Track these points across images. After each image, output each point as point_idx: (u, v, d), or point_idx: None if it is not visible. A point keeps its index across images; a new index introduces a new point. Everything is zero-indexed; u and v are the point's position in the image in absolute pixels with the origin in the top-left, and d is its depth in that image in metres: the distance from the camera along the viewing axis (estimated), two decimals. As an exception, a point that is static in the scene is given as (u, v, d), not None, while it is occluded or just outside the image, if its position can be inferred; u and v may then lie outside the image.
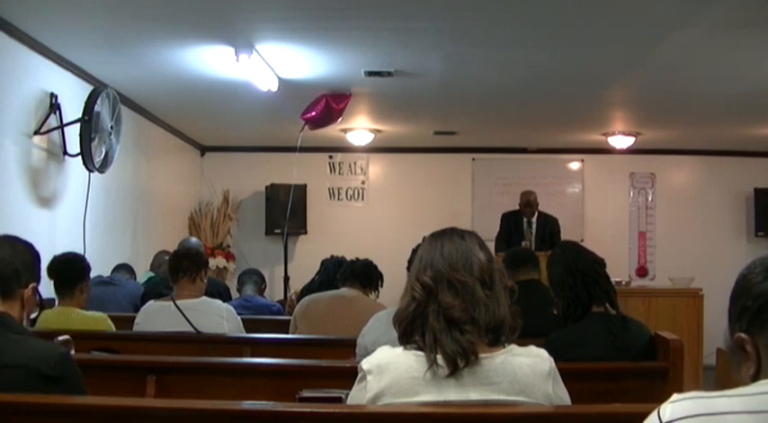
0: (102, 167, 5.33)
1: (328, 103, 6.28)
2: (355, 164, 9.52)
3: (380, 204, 9.45)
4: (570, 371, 2.13)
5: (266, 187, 9.04)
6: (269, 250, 9.16)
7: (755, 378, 1.27)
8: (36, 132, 4.94)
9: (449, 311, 1.82)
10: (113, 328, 3.79)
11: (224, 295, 4.96)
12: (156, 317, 3.82)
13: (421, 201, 9.21)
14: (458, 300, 1.84)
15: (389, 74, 5.67)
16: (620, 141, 8.33)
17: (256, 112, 7.05)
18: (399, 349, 1.86)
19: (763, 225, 9.03)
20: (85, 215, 5.45)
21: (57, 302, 3.75)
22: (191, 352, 3.44)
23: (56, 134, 5.18)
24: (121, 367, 2.96)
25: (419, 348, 1.83)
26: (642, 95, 6.59)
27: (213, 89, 6.13)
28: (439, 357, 1.79)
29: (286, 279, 8.45)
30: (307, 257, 8.03)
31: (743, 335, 1.29)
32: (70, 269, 3.74)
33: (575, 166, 9.48)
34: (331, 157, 9.43)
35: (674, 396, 1.27)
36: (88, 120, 5.02)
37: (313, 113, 6.36)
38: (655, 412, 1.26)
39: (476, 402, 1.79)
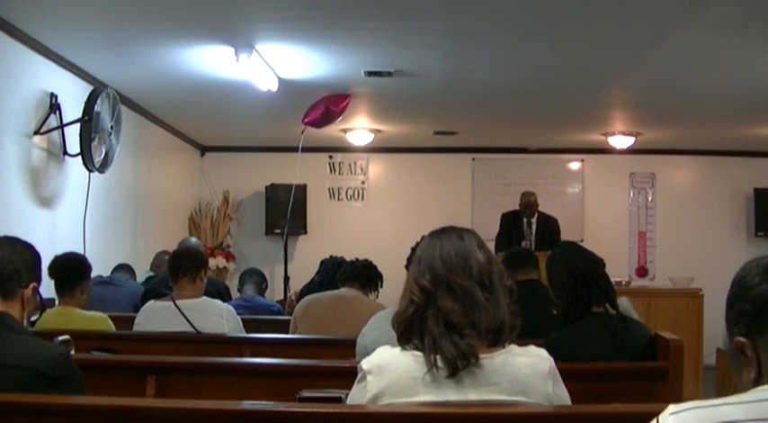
0: (102, 167, 5.33)
1: (328, 108, 6.28)
2: (355, 164, 9.52)
3: (380, 204, 9.45)
4: (570, 371, 2.12)
5: (266, 187, 9.05)
6: (269, 250, 9.16)
7: (756, 382, 1.25)
8: (36, 132, 4.94)
9: (448, 316, 1.82)
10: (113, 328, 3.79)
11: (224, 295, 4.95)
12: (156, 317, 3.82)
13: (421, 201, 9.21)
14: (457, 304, 1.83)
15: (389, 74, 5.67)
16: (620, 141, 8.34)
17: (256, 112, 7.05)
18: (398, 349, 1.86)
19: (763, 225, 9.03)
20: (85, 215, 5.45)
21: (57, 302, 3.76)
22: (191, 352, 3.44)
23: (56, 134, 5.18)
24: (121, 367, 2.95)
25: (418, 349, 1.83)
26: (642, 95, 6.59)
27: (213, 89, 6.13)
28: (438, 359, 1.79)
29: (286, 279, 8.45)
30: (307, 257, 8.03)
31: (742, 339, 1.27)
32: (71, 269, 3.75)
33: (575, 166, 9.48)
34: (331, 157, 9.43)
35: (672, 407, 1.24)
36: (88, 120, 5.02)
37: (312, 117, 6.36)
38: None
39: (475, 403, 1.79)
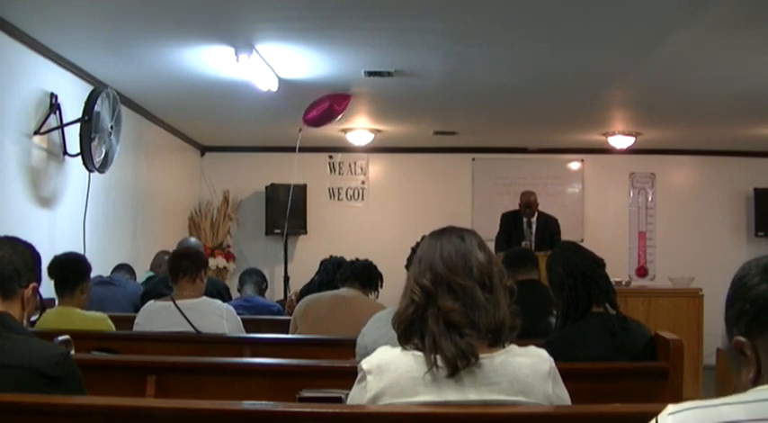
0: (102, 167, 5.33)
1: (332, 106, 6.28)
2: (355, 164, 9.52)
3: (380, 204, 9.45)
4: (570, 371, 2.12)
5: (266, 187, 9.04)
6: (269, 250, 9.16)
7: (756, 382, 1.24)
8: (36, 132, 4.94)
9: (448, 315, 1.82)
10: (113, 328, 3.79)
11: (224, 295, 4.95)
12: (156, 317, 3.82)
13: (421, 201, 9.21)
14: (457, 303, 1.83)
15: (389, 74, 5.67)
16: (620, 141, 8.34)
17: (256, 112, 7.05)
18: (399, 349, 1.86)
19: (763, 225, 9.03)
20: (85, 215, 5.45)
21: (57, 303, 3.75)
22: (191, 352, 3.44)
23: (56, 134, 5.18)
24: (121, 367, 2.95)
25: (418, 349, 1.83)
26: (642, 95, 6.59)
27: (213, 89, 6.13)
28: (439, 359, 1.79)
29: (286, 279, 8.45)
30: (307, 257, 8.03)
31: (742, 338, 1.27)
32: (71, 269, 3.74)
33: (575, 166, 9.48)
34: (331, 157, 9.43)
35: (671, 407, 1.23)
36: (88, 120, 5.02)
37: (315, 114, 6.36)
38: None
39: (475, 403, 1.79)
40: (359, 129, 8.16)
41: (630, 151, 8.75)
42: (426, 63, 5.49)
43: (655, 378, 2.84)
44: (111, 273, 5.49)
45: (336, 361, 3.04)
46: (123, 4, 4.30)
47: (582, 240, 8.01)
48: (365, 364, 1.86)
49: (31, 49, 4.87)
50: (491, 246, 6.07)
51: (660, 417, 1.23)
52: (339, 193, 9.52)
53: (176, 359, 2.97)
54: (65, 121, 5.17)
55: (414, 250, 2.46)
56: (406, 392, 1.80)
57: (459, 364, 1.77)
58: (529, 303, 2.12)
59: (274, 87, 5.69)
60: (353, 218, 9.42)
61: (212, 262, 8.40)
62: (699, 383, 6.33)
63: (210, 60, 5.31)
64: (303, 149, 7.26)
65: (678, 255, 8.90)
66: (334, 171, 9.53)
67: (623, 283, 7.04)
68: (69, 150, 5.23)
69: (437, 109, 7.24)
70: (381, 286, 4.26)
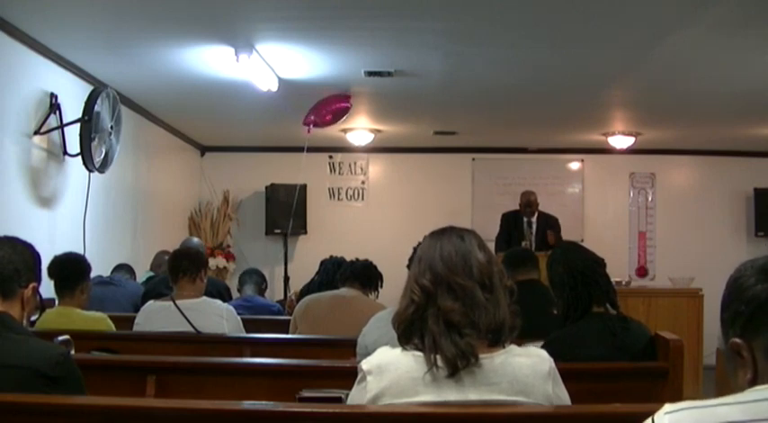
0: (102, 167, 5.33)
1: (346, 107, 6.29)
2: (355, 164, 9.52)
3: (380, 204, 9.45)
4: (570, 371, 2.12)
5: (266, 187, 9.05)
6: (269, 250, 9.16)
7: (752, 383, 1.24)
8: (36, 132, 4.94)
9: (448, 315, 1.82)
10: (113, 328, 3.79)
11: (224, 295, 4.95)
12: (156, 317, 3.82)
13: (421, 201, 9.21)
14: (457, 303, 1.83)
15: (389, 74, 5.67)
16: (620, 141, 8.34)
17: (256, 112, 7.05)
18: (399, 350, 1.86)
19: (763, 225, 9.03)
20: (85, 215, 5.45)
21: (57, 303, 3.75)
22: (191, 352, 3.44)
23: (56, 134, 5.18)
24: (121, 367, 2.95)
25: (418, 349, 1.83)
26: (642, 95, 6.59)
27: (213, 89, 6.13)
28: (439, 359, 1.79)
29: (286, 279, 8.45)
30: (307, 257, 8.03)
31: (738, 340, 1.27)
32: (71, 269, 3.74)
33: (575, 166, 9.48)
34: (331, 157, 9.43)
35: (668, 406, 1.23)
36: (88, 120, 5.02)
37: (333, 112, 6.36)
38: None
39: (475, 403, 1.79)
40: (359, 129, 8.16)
41: (630, 151, 8.75)
42: (426, 63, 5.50)
43: (655, 378, 2.84)
44: (111, 273, 5.49)
45: (336, 361, 3.04)
46: (123, 4, 4.30)
47: (582, 240, 8.01)
48: (365, 364, 1.86)
49: (31, 49, 4.87)
50: (491, 246, 6.08)
51: (656, 416, 1.22)
52: (339, 193, 9.52)
53: (176, 359, 2.97)
54: (65, 121, 5.17)
55: (416, 250, 2.46)
56: (406, 393, 1.80)
57: (459, 364, 1.77)
58: (529, 303, 2.12)
59: (274, 87, 5.69)
60: (353, 218, 9.42)
61: (212, 262, 8.40)
62: (699, 383, 6.33)
63: (210, 60, 5.31)
64: (303, 149, 7.26)
65: (678, 255, 8.90)
66: (334, 171, 9.53)
67: (623, 283, 7.04)
68: (69, 150, 5.23)
69: (437, 109, 7.24)
70: (381, 286, 4.26)
